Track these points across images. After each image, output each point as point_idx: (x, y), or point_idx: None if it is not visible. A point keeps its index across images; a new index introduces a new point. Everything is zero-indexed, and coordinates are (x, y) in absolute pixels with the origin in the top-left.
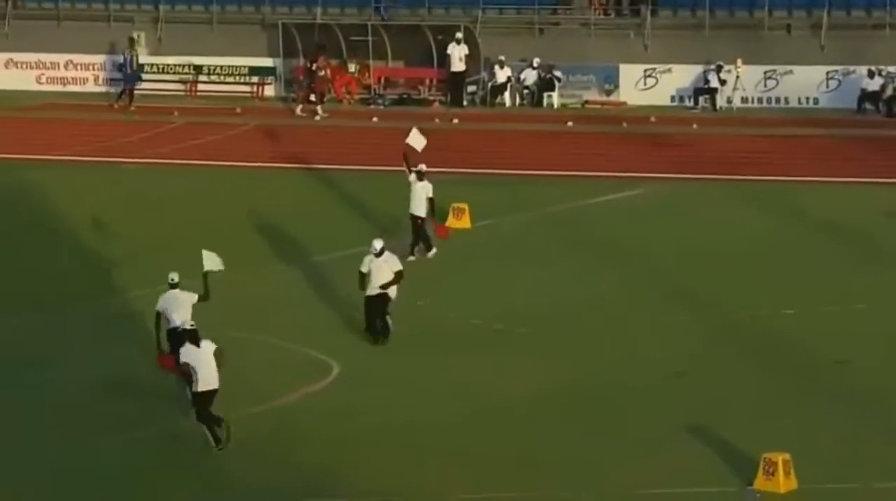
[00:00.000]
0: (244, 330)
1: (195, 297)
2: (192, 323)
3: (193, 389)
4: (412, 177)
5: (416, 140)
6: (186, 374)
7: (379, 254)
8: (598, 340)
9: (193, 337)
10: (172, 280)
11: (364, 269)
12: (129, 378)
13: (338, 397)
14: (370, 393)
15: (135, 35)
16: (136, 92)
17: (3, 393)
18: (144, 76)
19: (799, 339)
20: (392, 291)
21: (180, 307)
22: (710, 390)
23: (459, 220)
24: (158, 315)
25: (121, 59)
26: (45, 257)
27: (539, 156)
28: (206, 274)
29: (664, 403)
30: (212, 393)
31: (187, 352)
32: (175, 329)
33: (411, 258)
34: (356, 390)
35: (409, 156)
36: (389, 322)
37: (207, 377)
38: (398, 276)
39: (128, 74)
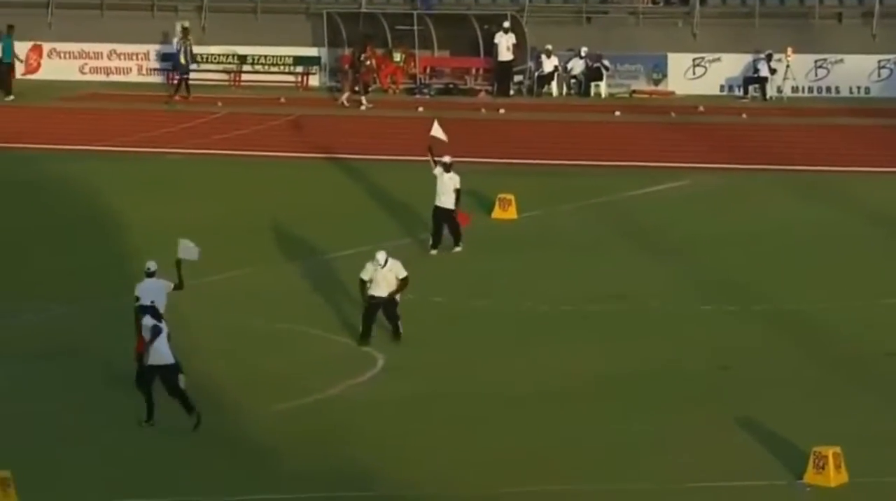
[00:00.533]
0: (287, 321)
1: (171, 286)
2: (153, 301)
3: (144, 361)
4: (438, 169)
5: (439, 132)
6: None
7: (384, 265)
8: (644, 332)
9: (156, 314)
10: (149, 269)
11: (365, 277)
12: None
13: (383, 389)
14: (415, 385)
15: (187, 24)
16: (175, 81)
17: (39, 383)
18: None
19: (850, 331)
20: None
21: (156, 296)
22: (759, 382)
23: (505, 211)
24: (137, 299)
25: (173, 48)
26: (85, 248)
27: (586, 147)
28: (179, 262)
29: (712, 395)
30: (162, 368)
31: (147, 326)
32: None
33: (433, 252)
34: (401, 382)
35: (434, 148)
36: (400, 325)
37: (160, 351)
38: (404, 283)
39: (181, 64)
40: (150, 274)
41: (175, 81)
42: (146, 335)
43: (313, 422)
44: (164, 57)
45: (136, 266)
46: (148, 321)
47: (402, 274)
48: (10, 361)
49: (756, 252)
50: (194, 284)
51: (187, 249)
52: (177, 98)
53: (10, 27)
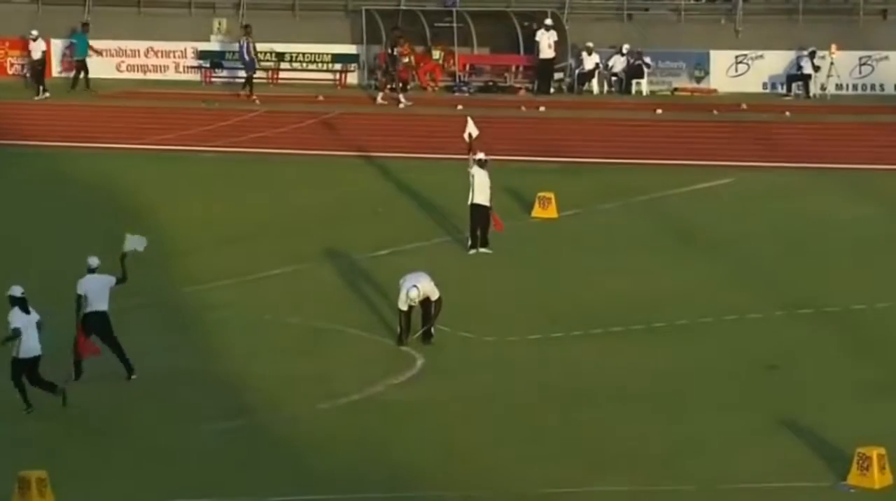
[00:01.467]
0: (324, 320)
1: (113, 280)
2: (23, 291)
3: (14, 354)
4: (474, 167)
5: (473, 129)
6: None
7: (418, 297)
8: (688, 332)
9: (24, 305)
10: (90, 265)
11: (403, 307)
12: (206, 369)
13: (423, 389)
14: (456, 386)
15: (245, 22)
16: (216, 80)
17: (83, 383)
18: (225, 63)
19: (895, 332)
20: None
21: (100, 291)
22: (803, 383)
23: (546, 210)
24: (79, 298)
25: (236, 47)
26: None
27: (627, 145)
28: (123, 256)
29: (755, 396)
30: (33, 360)
31: (18, 318)
32: (92, 312)
33: (473, 252)
34: (441, 382)
35: (473, 145)
36: (433, 330)
37: (30, 344)
38: (438, 306)
39: (246, 62)
40: (92, 271)
41: (210, 80)
42: (21, 329)
43: (354, 422)
44: (201, 54)
45: (174, 265)
46: (18, 316)
47: (435, 295)
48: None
49: (801, 251)
50: (231, 283)
51: (134, 241)
52: (253, 97)
53: (85, 24)
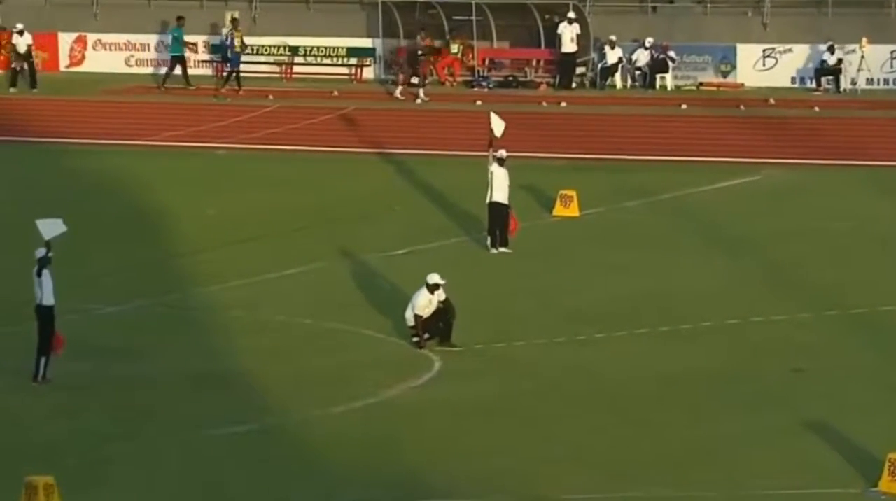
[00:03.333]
0: (339, 321)
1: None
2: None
3: None
4: (494, 164)
5: (497, 126)
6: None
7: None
8: (712, 332)
9: None
10: (38, 256)
11: (421, 313)
12: (219, 371)
13: (441, 392)
14: (474, 389)
15: (236, 14)
16: (225, 74)
17: (94, 386)
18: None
19: None
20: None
21: (44, 284)
22: (831, 386)
23: (567, 208)
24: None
25: (221, 40)
26: (131, 245)
27: (651, 141)
28: (49, 244)
29: (782, 399)
30: None
31: None
32: (38, 306)
33: (494, 251)
34: (459, 385)
35: (494, 142)
36: (452, 334)
37: None
38: (453, 314)
39: (230, 56)
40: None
41: (223, 73)
42: None
43: (370, 426)
44: (213, 48)
45: (186, 264)
46: None
47: (443, 297)
48: (59, 361)
49: (830, 249)
50: (243, 284)
51: (50, 227)
52: (223, 91)
53: (180, 18)
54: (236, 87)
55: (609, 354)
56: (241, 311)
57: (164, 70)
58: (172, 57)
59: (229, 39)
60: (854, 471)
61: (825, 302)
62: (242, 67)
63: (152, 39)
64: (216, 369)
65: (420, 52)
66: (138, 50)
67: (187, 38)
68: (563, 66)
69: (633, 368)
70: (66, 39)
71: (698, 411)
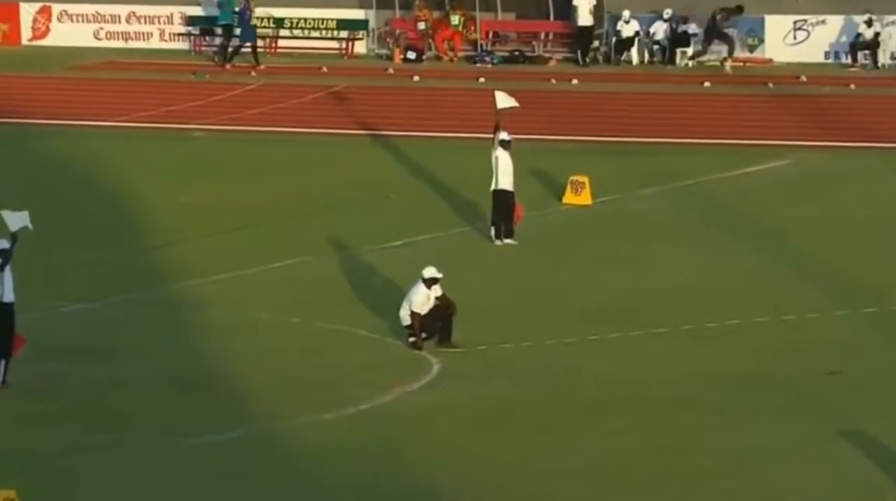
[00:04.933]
0: (329, 320)
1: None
2: None
3: None
4: (498, 148)
5: (506, 101)
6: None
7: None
8: (738, 331)
9: None
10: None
11: (419, 310)
12: (199, 374)
13: (440, 397)
14: (476, 392)
15: None
16: (206, 48)
17: (63, 390)
18: (216, 30)
19: None
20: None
21: (5, 280)
22: (870, 391)
23: (578, 196)
24: None
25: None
26: (102, 237)
27: (670, 122)
28: (15, 236)
29: (816, 404)
30: None
31: None
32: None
33: (498, 243)
34: (460, 388)
35: (501, 123)
36: (452, 333)
37: None
38: (453, 311)
39: (246, 29)
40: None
41: (229, 48)
42: None
43: (363, 433)
44: (189, 20)
45: (163, 258)
46: None
47: (439, 292)
48: (23, 363)
49: (868, 241)
50: (225, 278)
51: (15, 219)
52: (229, 67)
53: None
54: (254, 63)
55: (625, 356)
56: (222, 309)
57: (133, 44)
58: (223, 26)
59: (246, 13)
60: (891, 482)
61: (863, 298)
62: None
63: (123, 10)
64: (196, 372)
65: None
66: (108, 22)
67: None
68: (581, 41)
69: (651, 371)
70: (28, 10)
71: (724, 418)
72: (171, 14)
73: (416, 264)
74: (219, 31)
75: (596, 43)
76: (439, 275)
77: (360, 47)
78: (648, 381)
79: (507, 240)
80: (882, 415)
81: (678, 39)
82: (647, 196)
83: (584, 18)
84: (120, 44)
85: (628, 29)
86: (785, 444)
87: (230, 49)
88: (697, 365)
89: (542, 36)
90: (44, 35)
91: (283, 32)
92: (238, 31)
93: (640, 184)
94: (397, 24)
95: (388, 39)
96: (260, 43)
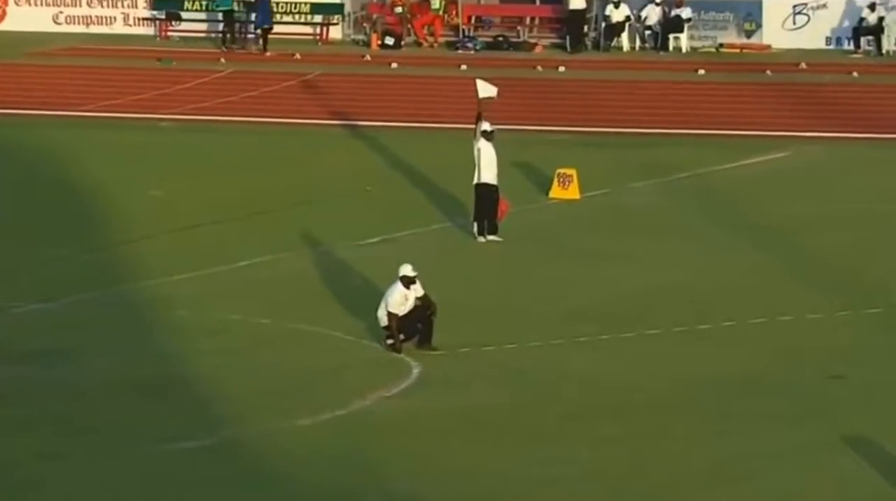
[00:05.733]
0: (303, 321)
1: None
2: None
3: None
4: (480, 140)
5: (487, 90)
6: None
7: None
8: (737, 335)
9: None
10: None
11: (396, 310)
12: (165, 378)
13: (420, 402)
14: (458, 397)
15: None
16: (173, 34)
17: (19, 396)
18: (184, 14)
19: None
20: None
21: None
22: (875, 395)
23: (566, 189)
24: None
25: None
26: (62, 233)
27: (663, 112)
28: None
29: (818, 410)
30: None
31: None
32: None
33: (482, 239)
34: (441, 394)
35: (484, 114)
36: (432, 336)
37: None
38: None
39: (264, 11)
40: None
41: (228, 35)
42: None
43: (340, 441)
44: (155, 4)
45: (127, 255)
46: None
47: (420, 292)
48: None
49: (872, 237)
50: (192, 277)
51: None
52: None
53: None
54: (263, 49)
55: (615, 358)
56: (189, 309)
57: (95, 28)
58: (224, 13)
59: None
60: None
61: (867, 298)
62: (186, 26)
63: None
64: (162, 376)
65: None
66: (68, 5)
67: None
68: (572, 26)
69: (643, 374)
70: None
71: (721, 424)
72: None
73: (395, 262)
74: (210, 16)
75: (586, 28)
76: (412, 274)
77: (335, 32)
78: (641, 385)
79: (491, 237)
80: (887, 421)
81: (671, 24)
82: (639, 190)
83: (576, 1)
84: (81, 28)
85: (618, 13)
86: (785, 452)
87: (250, 36)
88: (692, 368)
89: (528, 21)
90: None
91: (253, 17)
92: (253, 15)
93: (630, 177)
94: (374, 8)
95: (364, 24)
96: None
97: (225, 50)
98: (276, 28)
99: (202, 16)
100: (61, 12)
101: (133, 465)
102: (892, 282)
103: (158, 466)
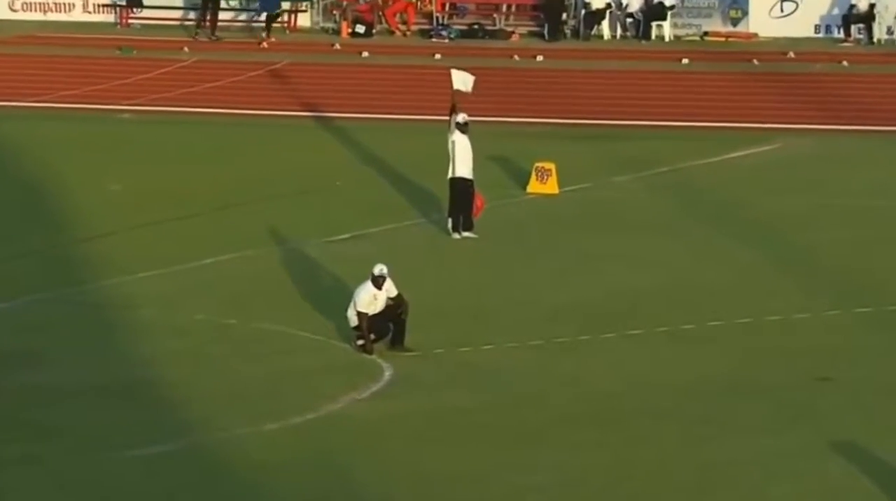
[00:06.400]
0: (270, 320)
1: None
2: None
3: None
4: (455, 132)
5: (463, 82)
6: None
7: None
8: (722, 336)
9: None
10: None
11: (365, 310)
12: (129, 381)
13: (393, 406)
14: (431, 400)
15: None
16: (134, 21)
17: None
18: (145, 1)
19: None
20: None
21: None
22: (864, 398)
23: (544, 184)
24: None
25: None
26: (20, 230)
27: (646, 103)
28: None
29: (806, 413)
30: None
31: None
32: None
33: (457, 236)
34: (414, 396)
35: (458, 105)
36: (405, 336)
37: None
38: (405, 311)
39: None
40: None
41: (206, 23)
42: None
43: (309, 445)
44: None
45: (86, 252)
46: None
47: (394, 292)
48: None
49: (862, 233)
50: (156, 275)
51: None
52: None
53: None
54: (266, 36)
55: (596, 360)
56: (152, 309)
57: (53, 16)
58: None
59: None
60: (889, 499)
61: (857, 297)
62: (149, 13)
63: None
64: (126, 379)
65: None
66: None
67: None
68: (550, 13)
69: (625, 377)
70: None
71: (707, 429)
72: None
73: (367, 259)
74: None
75: (565, 15)
76: (382, 273)
77: (303, 20)
78: (623, 389)
79: (466, 233)
80: (877, 425)
81: (654, 12)
82: (620, 184)
83: None
84: (38, 16)
85: (599, 0)
86: (772, 457)
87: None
88: (677, 370)
89: (504, 8)
90: None
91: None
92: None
93: (611, 171)
94: None
95: (334, 11)
96: (191, 15)
97: (197, 37)
98: (242, 15)
99: (164, 2)
100: None
101: (97, 472)
102: (883, 281)
103: (122, 472)
